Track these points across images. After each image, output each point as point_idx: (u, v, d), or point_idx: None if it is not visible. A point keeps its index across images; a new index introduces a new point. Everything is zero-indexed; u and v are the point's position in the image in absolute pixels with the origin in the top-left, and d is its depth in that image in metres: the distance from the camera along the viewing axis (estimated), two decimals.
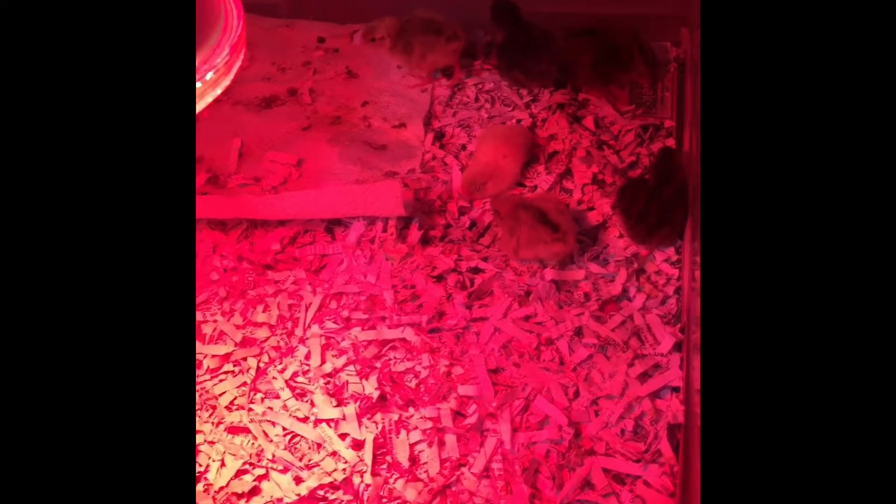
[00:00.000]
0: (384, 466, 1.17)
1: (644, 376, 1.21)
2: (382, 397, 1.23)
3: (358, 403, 1.22)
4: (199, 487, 1.16)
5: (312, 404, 1.23)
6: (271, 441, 1.20)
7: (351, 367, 1.26)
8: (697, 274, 1.21)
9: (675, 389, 1.19)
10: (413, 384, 1.24)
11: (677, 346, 1.23)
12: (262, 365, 1.27)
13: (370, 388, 1.23)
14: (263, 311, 1.33)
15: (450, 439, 1.18)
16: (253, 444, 1.20)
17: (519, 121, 1.54)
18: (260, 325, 1.31)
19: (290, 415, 1.22)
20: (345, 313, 1.31)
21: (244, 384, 1.25)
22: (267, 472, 1.17)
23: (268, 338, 1.30)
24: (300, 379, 1.26)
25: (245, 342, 1.30)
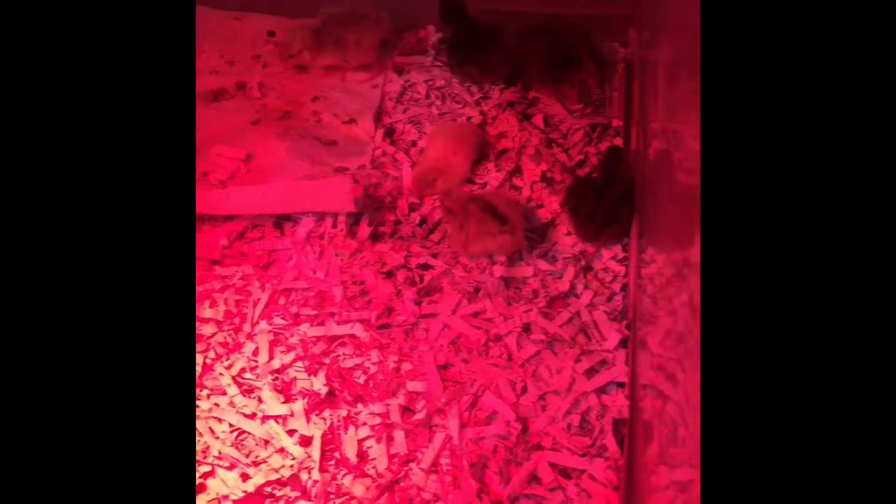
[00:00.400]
0: (332, 462, 1.17)
1: (590, 372, 1.22)
2: (331, 393, 1.22)
3: (306, 400, 1.22)
4: None
5: (260, 401, 1.22)
6: (217, 438, 1.19)
7: (299, 363, 1.25)
8: (643, 271, 1.23)
9: (621, 385, 1.21)
10: (362, 380, 1.24)
11: (623, 343, 1.25)
12: (208, 361, 1.26)
13: (318, 384, 1.23)
14: (210, 307, 1.31)
15: (398, 435, 1.18)
16: (199, 440, 1.18)
17: (469, 118, 1.55)
18: (207, 320, 1.30)
19: (237, 411, 1.21)
20: (293, 309, 1.31)
21: None
22: (213, 468, 1.16)
23: (214, 333, 1.29)
24: (248, 375, 1.25)
25: None
